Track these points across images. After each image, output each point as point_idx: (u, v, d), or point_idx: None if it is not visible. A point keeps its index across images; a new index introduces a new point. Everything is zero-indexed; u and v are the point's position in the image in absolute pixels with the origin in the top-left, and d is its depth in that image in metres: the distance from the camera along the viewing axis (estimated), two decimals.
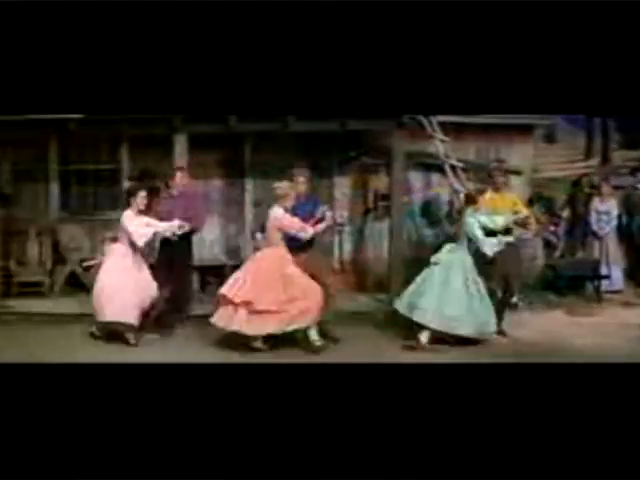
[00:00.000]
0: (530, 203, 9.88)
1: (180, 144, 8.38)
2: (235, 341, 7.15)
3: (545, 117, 9.91)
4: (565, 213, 10.18)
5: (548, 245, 9.91)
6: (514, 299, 8.64)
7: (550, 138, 10.39)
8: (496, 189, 8.08)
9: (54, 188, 9.51)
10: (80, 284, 9.16)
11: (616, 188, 10.41)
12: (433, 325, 7.16)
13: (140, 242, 7.33)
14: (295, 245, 7.22)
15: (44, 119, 7.53)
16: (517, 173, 9.94)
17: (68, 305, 8.61)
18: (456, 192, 8.71)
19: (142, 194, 7.50)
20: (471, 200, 7.56)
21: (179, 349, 7.16)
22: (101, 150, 9.39)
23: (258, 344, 7.08)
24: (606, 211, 10.00)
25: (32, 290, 9.19)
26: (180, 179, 7.86)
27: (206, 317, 7.32)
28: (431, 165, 9.23)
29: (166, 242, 7.63)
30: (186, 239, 7.82)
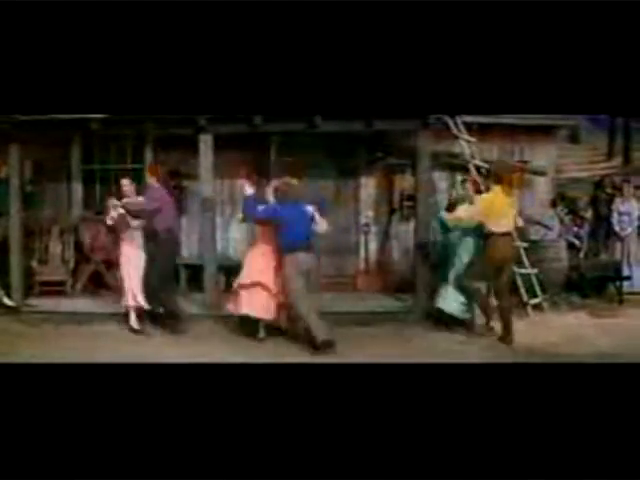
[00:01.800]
0: (554, 204, 9.92)
1: (205, 144, 8.37)
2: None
3: (568, 118, 9.85)
4: (588, 214, 10.14)
5: (572, 246, 9.86)
6: (538, 300, 8.64)
7: (573, 139, 10.36)
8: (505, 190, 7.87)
9: (77, 187, 9.53)
10: (103, 283, 9.20)
11: (638, 188, 10.34)
12: None
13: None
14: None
15: (67, 119, 7.52)
16: (541, 174, 9.93)
17: (91, 304, 8.64)
18: (481, 193, 8.69)
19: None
20: None
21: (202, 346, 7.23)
22: (125, 150, 9.38)
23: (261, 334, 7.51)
24: (627, 212, 10.01)
25: (54, 289, 9.21)
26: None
27: None
28: (456, 165, 9.19)
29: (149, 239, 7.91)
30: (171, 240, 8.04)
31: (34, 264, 9.27)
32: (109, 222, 7.95)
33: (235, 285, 7.55)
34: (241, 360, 6.47)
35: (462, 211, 7.89)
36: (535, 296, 8.67)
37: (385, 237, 9.97)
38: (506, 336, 7.45)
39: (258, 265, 7.42)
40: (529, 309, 8.57)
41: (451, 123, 8.69)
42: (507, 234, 7.53)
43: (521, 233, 8.60)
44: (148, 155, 9.21)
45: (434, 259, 8.39)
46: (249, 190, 7.43)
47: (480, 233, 7.57)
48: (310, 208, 7.36)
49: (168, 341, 7.50)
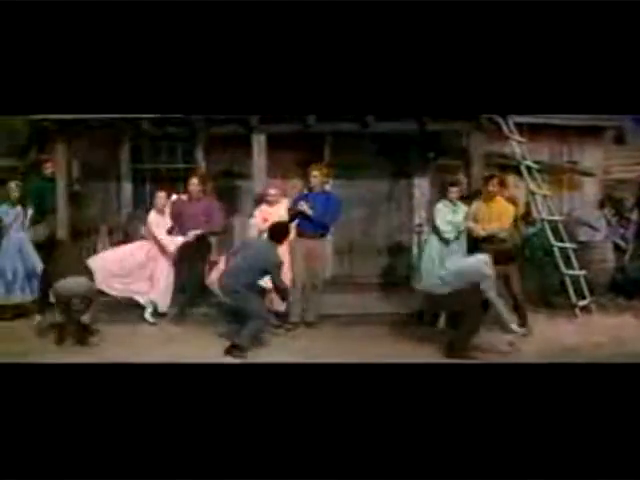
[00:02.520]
0: (601, 205, 9.89)
1: (258, 144, 8.37)
2: None
3: (614, 118, 9.82)
4: (633, 215, 10.08)
5: (618, 248, 9.82)
6: (586, 301, 8.60)
7: (619, 140, 10.34)
8: (488, 198, 8.02)
9: (127, 187, 9.54)
10: None
11: None
12: None
13: (171, 248, 7.96)
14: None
15: (116, 118, 7.54)
16: (589, 175, 9.92)
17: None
18: (532, 194, 8.68)
19: (160, 195, 8.03)
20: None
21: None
22: (176, 149, 9.38)
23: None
24: None
25: None
26: (194, 184, 8.08)
27: None
28: (507, 166, 9.17)
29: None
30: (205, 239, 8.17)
31: None
32: None
33: None
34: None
35: None
36: (583, 298, 8.65)
37: None
38: None
39: None
40: (577, 311, 8.54)
41: (502, 123, 8.66)
42: None
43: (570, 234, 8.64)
44: (199, 154, 9.21)
45: None
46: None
47: None
48: None
49: (211, 341, 7.42)
